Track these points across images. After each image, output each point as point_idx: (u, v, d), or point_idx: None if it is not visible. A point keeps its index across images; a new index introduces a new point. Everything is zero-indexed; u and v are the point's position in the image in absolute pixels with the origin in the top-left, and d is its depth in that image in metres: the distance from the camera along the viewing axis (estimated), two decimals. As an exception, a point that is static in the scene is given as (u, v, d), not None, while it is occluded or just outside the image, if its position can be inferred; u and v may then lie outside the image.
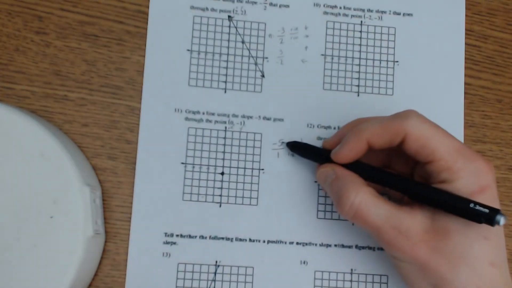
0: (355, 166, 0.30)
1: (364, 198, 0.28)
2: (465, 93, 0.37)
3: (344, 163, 0.30)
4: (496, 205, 0.27)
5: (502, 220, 0.25)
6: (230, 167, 0.34)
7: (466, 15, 0.38)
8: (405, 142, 0.28)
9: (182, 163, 0.34)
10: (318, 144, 0.35)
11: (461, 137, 0.36)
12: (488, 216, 0.25)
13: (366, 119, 0.31)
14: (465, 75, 0.37)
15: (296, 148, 0.34)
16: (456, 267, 0.26)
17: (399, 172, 0.32)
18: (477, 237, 0.27)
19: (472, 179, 0.27)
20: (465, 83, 0.37)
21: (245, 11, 0.36)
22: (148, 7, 0.35)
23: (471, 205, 0.26)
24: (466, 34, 0.37)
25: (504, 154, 0.37)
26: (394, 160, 0.32)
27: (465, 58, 0.37)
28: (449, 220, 0.27)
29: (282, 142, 0.35)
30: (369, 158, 0.31)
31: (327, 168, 0.31)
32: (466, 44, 0.37)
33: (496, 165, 0.37)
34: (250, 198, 0.34)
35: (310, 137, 0.35)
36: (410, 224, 0.27)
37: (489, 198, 0.27)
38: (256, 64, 0.35)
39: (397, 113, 0.29)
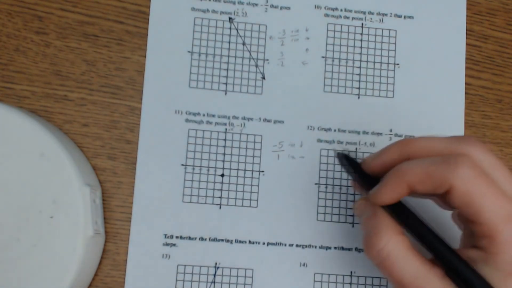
0: (397, 208, 0.27)
1: (396, 248, 0.25)
2: (465, 93, 0.37)
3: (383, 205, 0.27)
4: None
5: None
6: (230, 169, 0.34)
7: (466, 15, 0.38)
8: (450, 194, 0.25)
9: (182, 164, 0.34)
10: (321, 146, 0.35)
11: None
12: None
13: (411, 151, 0.27)
14: (465, 75, 0.37)
15: (343, 161, 0.29)
16: None
17: (434, 202, 0.29)
18: None
19: None
20: (465, 83, 0.37)
21: (246, 13, 0.36)
22: (148, 7, 0.35)
23: None
24: (466, 34, 0.37)
25: (504, 154, 0.37)
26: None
27: (465, 58, 0.37)
28: None
29: (284, 144, 0.35)
30: None
31: (367, 202, 0.28)
32: (466, 44, 0.37)
33: (496, 167, 0.37)
34: (250, 200, 0.34)
35: (310, 139, 0.35)
36: None
37: None
38: (256, 66, 0.35)
39: (446, 156, 0.25)
